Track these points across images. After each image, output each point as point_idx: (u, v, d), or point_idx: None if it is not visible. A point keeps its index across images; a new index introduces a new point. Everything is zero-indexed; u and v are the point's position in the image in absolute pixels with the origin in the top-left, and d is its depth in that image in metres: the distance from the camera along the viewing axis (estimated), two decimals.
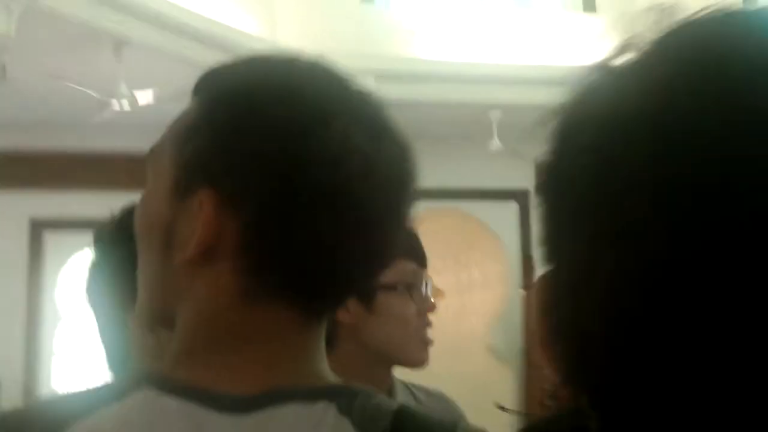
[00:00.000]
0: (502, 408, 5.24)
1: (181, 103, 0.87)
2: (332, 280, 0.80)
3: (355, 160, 0.77)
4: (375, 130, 0.80)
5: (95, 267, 1.24)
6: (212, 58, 0.98)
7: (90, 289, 1.25)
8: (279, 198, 0.76)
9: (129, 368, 1.21)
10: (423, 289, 1.54)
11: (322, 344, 0.82)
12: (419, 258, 1.53)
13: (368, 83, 0.86)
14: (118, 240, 1.21)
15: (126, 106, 4.52)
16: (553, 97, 0.48)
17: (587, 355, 0.44)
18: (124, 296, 1.17)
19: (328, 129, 0.77)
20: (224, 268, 0.78)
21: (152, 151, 0.87)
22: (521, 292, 6.58)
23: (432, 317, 1.56)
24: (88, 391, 0.81)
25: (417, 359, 1.50)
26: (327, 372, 0.81)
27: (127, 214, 1.21)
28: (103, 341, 1.24)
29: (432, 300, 1.54)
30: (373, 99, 0.83)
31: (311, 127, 0.77)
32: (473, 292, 6.40)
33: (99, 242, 1.24)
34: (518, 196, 6.53)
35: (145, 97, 4.55)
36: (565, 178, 0.46)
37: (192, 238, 0.78)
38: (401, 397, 1.57)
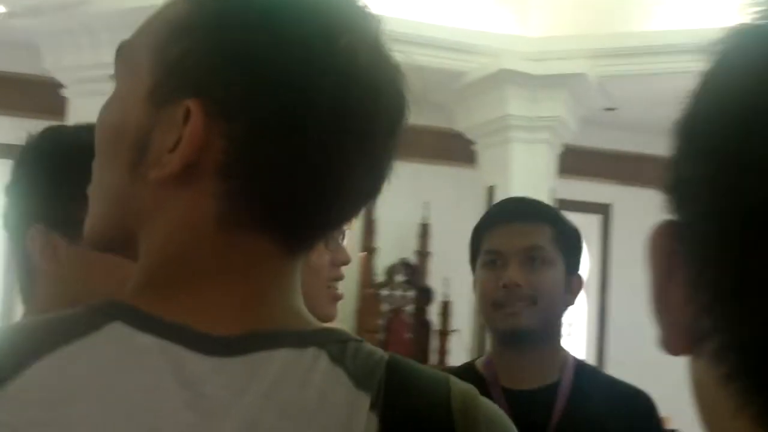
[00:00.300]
0: None
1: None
2: (322, 211, 0.74)
3: (362, 81, 0.72)
4: (379, 51, 0.75)
5: (9, 189, 1.20)
6: None
7: (5, 212, 1.21)
8: (275, 114, 0.69)
9: (27, 294, 1.18)
10: (339, 239, 1.49)
11: (299, 282, 0.76)
12: None
13: None
14: (29, 161, 1.18)
15: None
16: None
17: (751, 309, 0.41)
18: (29, 218, 1.15)
19: (336, 43, 0.71)
20: (203, 190, 0.70)
21: (122, 49, 0.78)
22: (360, 254, 6.62)
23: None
24: (37, 325, 0.72)
25: (325, 314, 1.42)
26: (307, 313, 0.76)
27: (41, 136, 1.20)
28: (17, 266, 1.20)
29: (347, 252, 1.48)
30: (375, 18, 0.77)
31: (319, 40, 0.70)
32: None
33: (15, 163, 1.20)
34: None
35: None
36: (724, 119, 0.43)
37: (171, 153, 0.70)
38: None
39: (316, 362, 0.70)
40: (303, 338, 0.72)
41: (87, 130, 1.16)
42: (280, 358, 0.70)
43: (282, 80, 0.69)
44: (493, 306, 1.77)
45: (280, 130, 0.69)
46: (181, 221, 0.72)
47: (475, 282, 1.85)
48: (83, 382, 0.67)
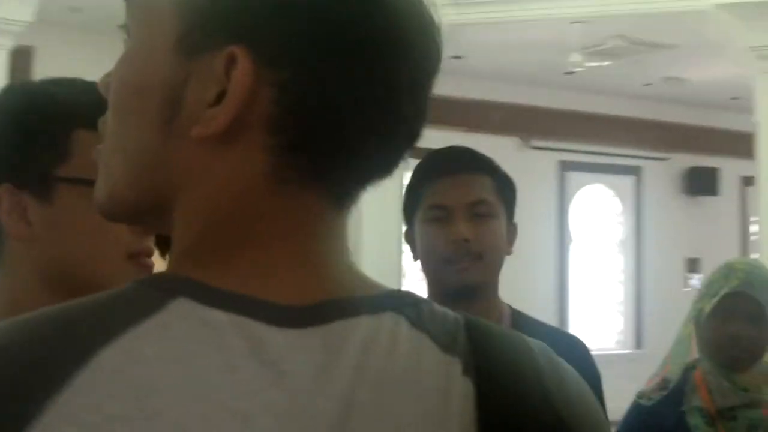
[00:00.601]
0: None
1: None
2: (370, 161, 0.68)
3: (414, 22, 0.67)
4: None
5: None
6: None
7: None
8: (330, 57, 0.63)
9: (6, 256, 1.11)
10: None
11: (348, 240, 0.71)
12: None
13: None
14: None
15: None
16: None
17: None
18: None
19: None
20: (251, 145, 0.64)
21: None
22: None
23: None
24: (90, 307, 0.64)
25: None
26: (365, 273, 0.70)
27: (5, 92, 1.12)
28: None
29: None
30: None
31: None
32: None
33: None
34: None
35: None
36: None
37: (213, 108, 0.63)
38: None
39: (397, 328, 0.66)
40: (378, 303, 0.67)
41: (55, 84, 1.11)
42: (361, 326, 0.65)
43: (335, 19, 0.64)
44: (444, 262, 1.73)
45: (335, 74, 0.64)
46: (228, 181, 0.65)
47: (413, 237, 1.81)
48: (159, 368, 0.60)
